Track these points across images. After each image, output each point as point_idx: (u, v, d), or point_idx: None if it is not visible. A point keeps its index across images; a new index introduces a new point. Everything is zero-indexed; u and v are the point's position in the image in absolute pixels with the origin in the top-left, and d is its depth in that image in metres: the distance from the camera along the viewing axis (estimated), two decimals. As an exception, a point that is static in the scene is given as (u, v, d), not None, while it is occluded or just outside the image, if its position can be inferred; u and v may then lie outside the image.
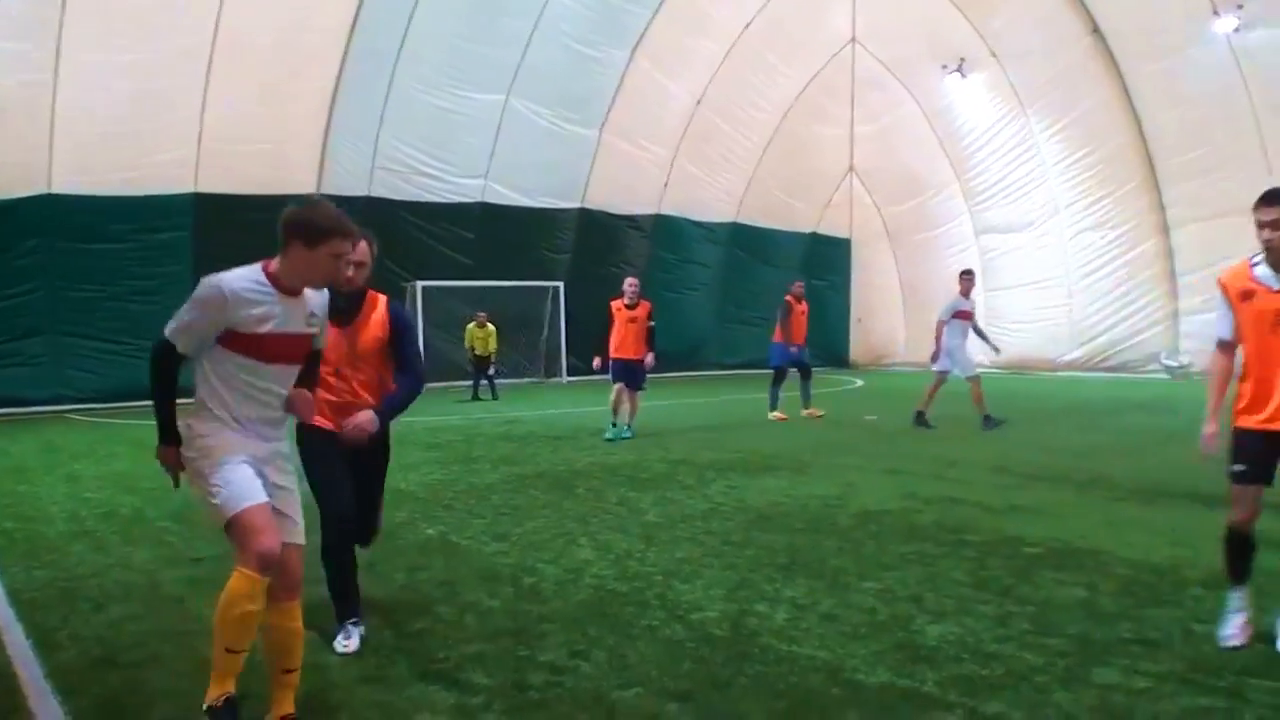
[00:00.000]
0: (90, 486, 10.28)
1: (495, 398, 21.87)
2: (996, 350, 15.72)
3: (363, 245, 4.99)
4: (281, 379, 4.07)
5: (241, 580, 3.71)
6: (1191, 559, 6.61)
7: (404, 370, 5.27)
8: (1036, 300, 28.84)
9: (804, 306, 16.82)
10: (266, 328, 3.90)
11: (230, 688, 3.85)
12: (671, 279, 29.41)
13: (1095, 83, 25.69)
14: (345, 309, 5.06)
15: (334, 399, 5.15)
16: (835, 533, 7.63)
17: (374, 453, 5.38)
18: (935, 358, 14.90)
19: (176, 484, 4.12)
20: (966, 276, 15.29)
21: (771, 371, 16.69)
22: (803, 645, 4.96)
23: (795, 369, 16.57)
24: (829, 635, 5.11)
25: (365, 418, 4.96)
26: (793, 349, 16.53)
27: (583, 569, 6.61)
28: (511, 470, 10.99)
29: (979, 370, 15.00)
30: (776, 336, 16.61)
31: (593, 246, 27.75)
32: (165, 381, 3.95)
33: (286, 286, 3.94)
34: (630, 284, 13.72)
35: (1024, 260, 28.98)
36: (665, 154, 28.49)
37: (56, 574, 6.63)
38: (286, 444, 4.18)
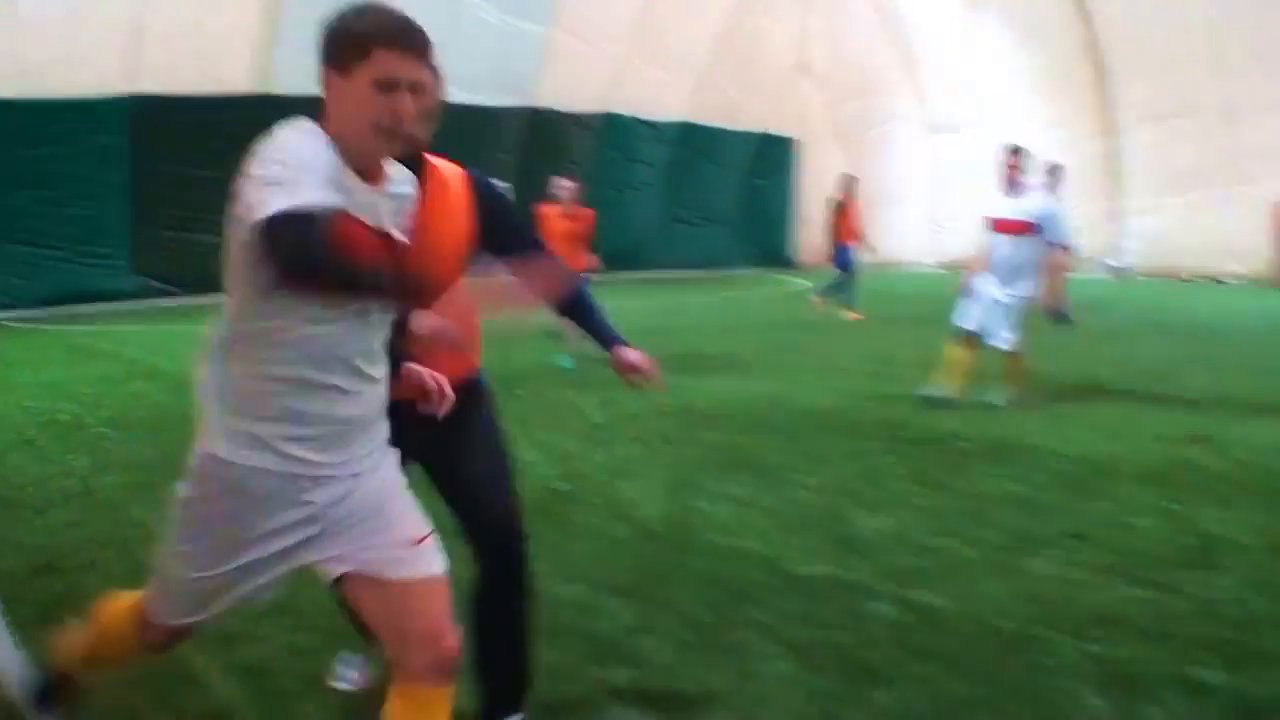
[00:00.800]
0: (28, 394, 10.04)
1: None
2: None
3: (424, 74, 2.34)
4: (364, 338, 2.28)
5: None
6: (1127, 454, 6.75)
7: (542, 257, 3.08)
8: (982, 199, 28.77)
9: (859, 203, 16.45)
10: None
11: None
12: (617, 178, 29.04)
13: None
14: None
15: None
16: (777, 430, 7.68)
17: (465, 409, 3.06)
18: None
19: None
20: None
21: (840, 273, 16.37)
22: (742, 539, 5.02)
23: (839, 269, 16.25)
24: (769, 530, 5.18)
25: (638, 357, 3.09)
26: (851, 246, 16.18)
27: (525, 469, 6.59)
28: (456, 372, 10.85)
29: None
30: (841, 237, 16.16)
31: (542, 146, 27.26)
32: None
33: (356, 162, 2.21)
34: (565, 186, 11.43)
35: (970, 160, 28.91)
36: (615, 50, 27.92)
37: (-5, 482, 6.53)
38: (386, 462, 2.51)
